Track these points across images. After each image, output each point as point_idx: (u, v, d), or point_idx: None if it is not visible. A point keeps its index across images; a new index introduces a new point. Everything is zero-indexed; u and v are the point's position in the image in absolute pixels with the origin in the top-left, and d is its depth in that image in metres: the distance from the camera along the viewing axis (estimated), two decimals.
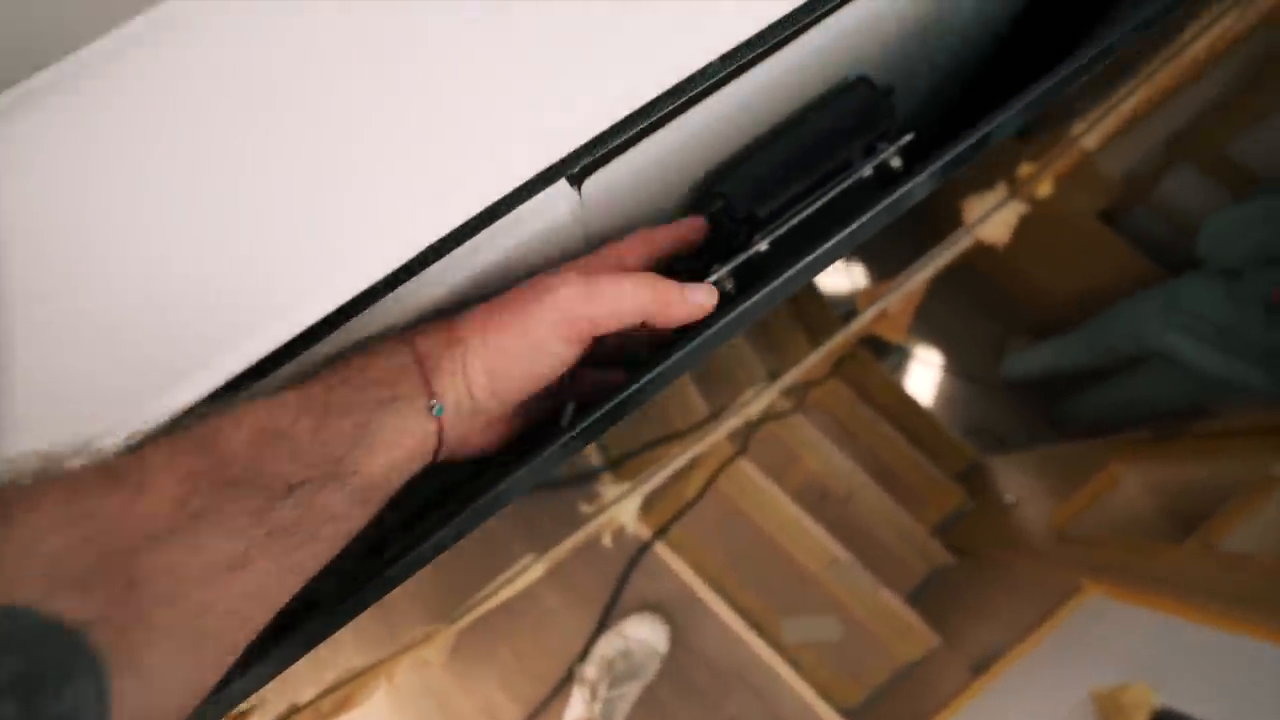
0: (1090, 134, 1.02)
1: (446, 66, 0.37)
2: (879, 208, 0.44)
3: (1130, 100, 1.08)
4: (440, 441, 0.35)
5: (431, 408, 0.34)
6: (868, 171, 0.49)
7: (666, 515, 1.31)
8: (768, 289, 0.42)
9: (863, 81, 0.53)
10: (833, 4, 0.43)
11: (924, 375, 2.68)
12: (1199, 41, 1.15)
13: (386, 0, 0.38)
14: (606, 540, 1.17)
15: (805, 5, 0.42)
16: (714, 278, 0.44)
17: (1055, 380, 2.36)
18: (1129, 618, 1.13)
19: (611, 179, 0.42)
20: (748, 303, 0.41)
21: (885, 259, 2.02)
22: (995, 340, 2.62)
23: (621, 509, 1.01)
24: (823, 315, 1.90)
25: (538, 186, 0.39)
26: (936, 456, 2.19)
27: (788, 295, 0.43)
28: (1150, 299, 1.93)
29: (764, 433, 1.75)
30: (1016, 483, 1.93)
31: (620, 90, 0.39)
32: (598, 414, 0.38)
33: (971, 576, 1.65)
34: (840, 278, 2.06)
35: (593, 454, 0.97)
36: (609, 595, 1.22)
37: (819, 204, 0.48)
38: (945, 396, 2.66)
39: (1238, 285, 1.69)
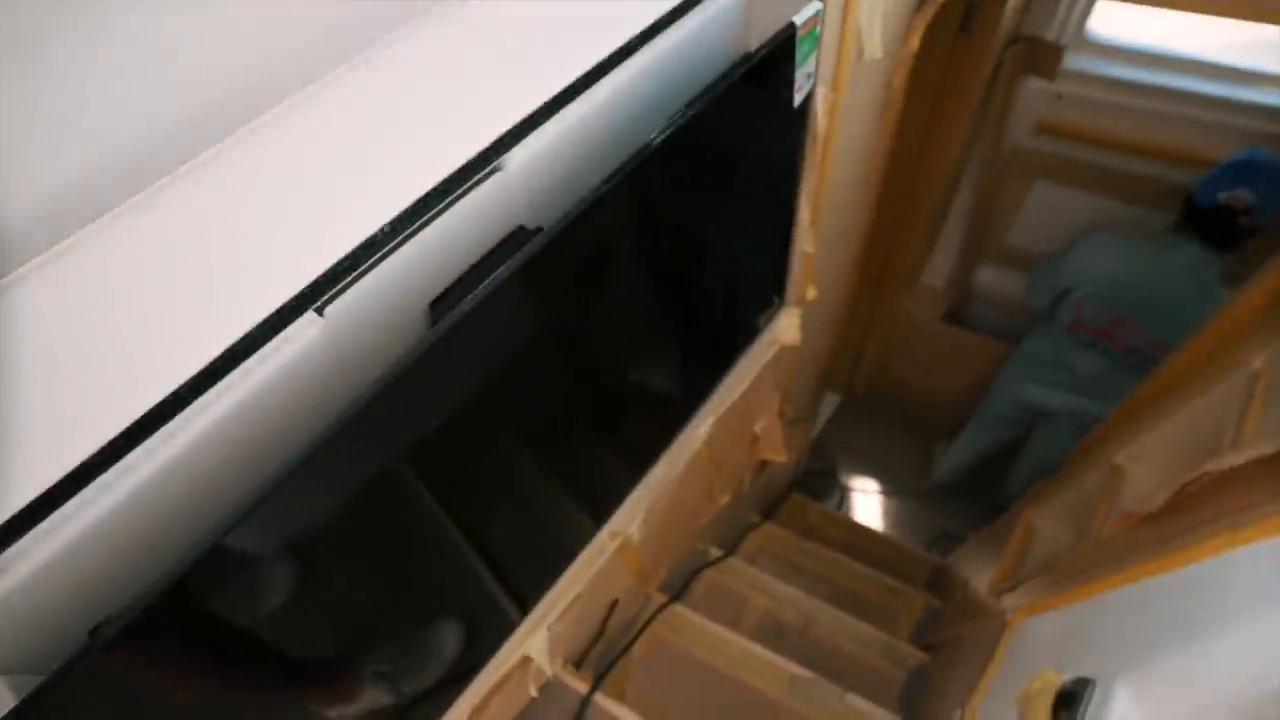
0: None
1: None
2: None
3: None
4: None
5: None
6: None
7: (601, 668, 1.30)
8: None
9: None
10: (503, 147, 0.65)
11: (868, 503, 2.78)
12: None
13: None
14: (532, 690, 1.17)
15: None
16: None
17: (983, 468, 2.49)
18: (1041, 625, 1.16)
19: (354, 303, 0.60)
20: None
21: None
22: (920, 454, 2.79)
23: (530, 645, 1.05)
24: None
25: (285, 318, 0.54)
26: (899, 570, 2.21)
27: None
28: (1010, 367, 2.18)
29: (705, 580, 1.79)
30: (969, 566, 1.96)
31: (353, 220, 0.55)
32: None
33: (940, 663, 1.61)
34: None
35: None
36: None
37: None
38: (894, 515, 2.73)
39: (1051, 324, 1.96)
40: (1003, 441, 2.38)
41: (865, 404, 2.95)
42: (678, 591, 1.63)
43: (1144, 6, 1.54)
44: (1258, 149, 1.61)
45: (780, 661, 1.48)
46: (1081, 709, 0.85)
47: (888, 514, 2.74)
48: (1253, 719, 0.64)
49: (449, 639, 1.02)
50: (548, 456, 0.94)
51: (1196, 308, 1.49)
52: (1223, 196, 1.58)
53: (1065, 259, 1.84)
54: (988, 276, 2.47)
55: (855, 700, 1.40)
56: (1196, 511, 0.90)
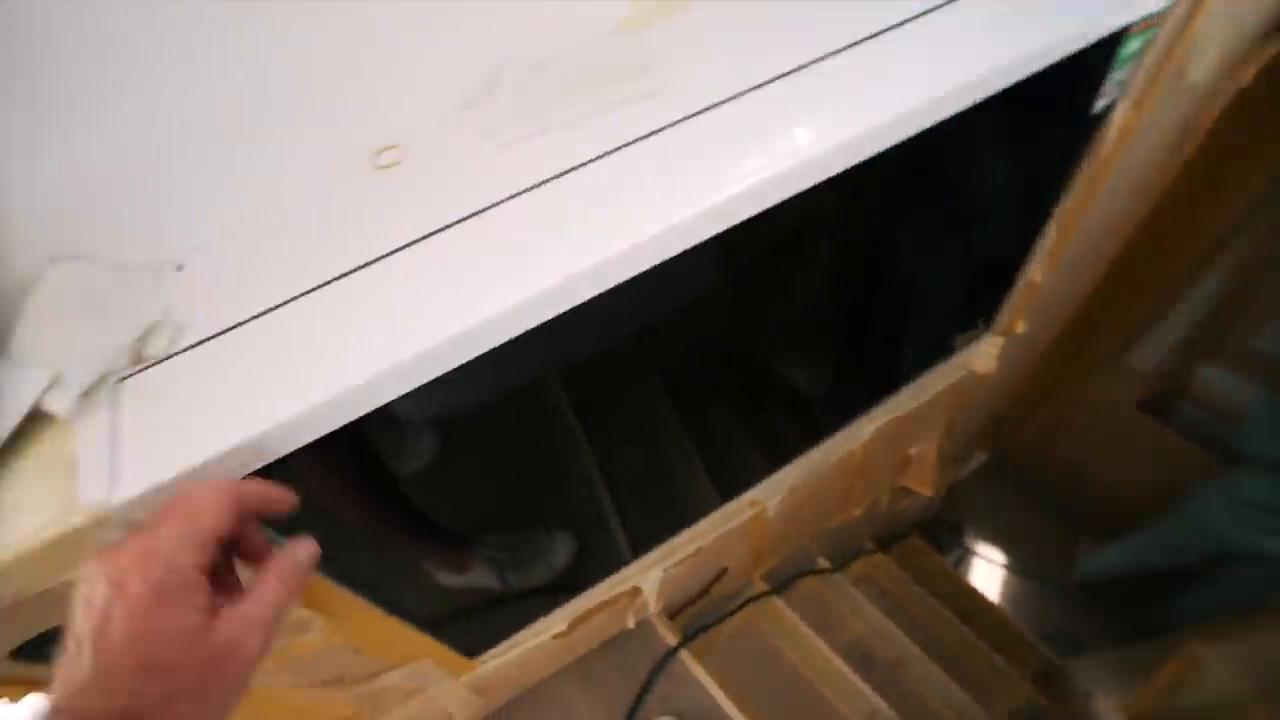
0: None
1: None
2: None
3: None
4: None
5: None
6: None
7: (691, 630, 1.31)
8: None
9: None
10: None
11: (988, 573, 2.57)
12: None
13: None
14: (630, 622, 1.20)
15: None
16: None
17: (1132, 579, 2.22)
18: None
19: None
20: None
21: None
22: (1062, 541, 2.53)
23: (644, 578, 1.07)
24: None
25: None
26: (1005, 651, 2.04)
27: None
28: (1214, 497, 1.90)
29: (804, 586, 1.74)
30: (1095, 679, 1.77)
31: None
32: None
33: None
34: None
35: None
36: (633, 698, 1.20)
37: None
38: (1013, 595, 2.50)
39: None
40: (1174, 566, 2.10)
41: (1015, 472, 2.71)
42: (780, 585, 1.60)
43: None
44: None
45: (867, 691, 1.42)
46: None
47: (1006, 592, 2.53)
48: None
49: (561, 551, 1.07)
50: (719, 410, 0.95)
51: None
52: None
53: None
54: (1213, 377, 2.16)
55: None
56: None
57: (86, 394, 0.45)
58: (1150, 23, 0.73)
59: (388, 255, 0.52)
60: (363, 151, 0.58)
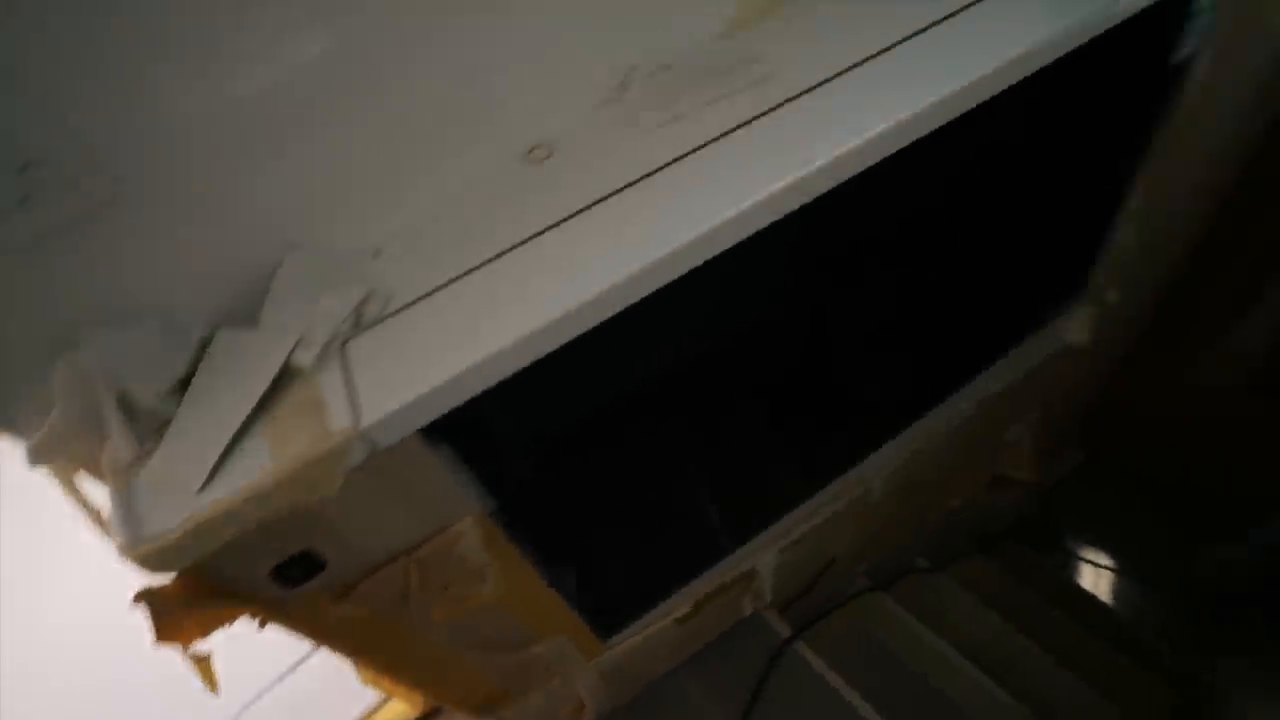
0: None
1: None
2: None
3: None
4: None
5: None
6: None
7: (803, 622, 1.31)
8: None
9: None
10: None
11: (1095, 577, 2.44)
12: None
13: None
14: (747, 609, 1.22)
15: None
16: None
17: (1254, 580, 2.08)
18: None
19: None
20: None
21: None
22: (1173, 541, 2.39)
23: (760, 558, 1.10)
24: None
25: None
26: (1129, 652, 1.94)
27: None
28: None
29: (908, 584, 1.72)
30: (1252, 692, 1.67)
31: None
32: None
33: None
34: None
35: None
36: (750, 691, 1.21)
37: None
38: (1124, 599, 2.37)
39: None
40: None
41: (1116, 469, 2.59)
42: (885, 582, 1.59)
43: None
44: None
45: (986, 681, 1.38)
46: None
47: (1119, 597, 2.40)
48: None
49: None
50: (827, 382, 1.00)
51: None
52: None
53: None
54: None
55: None
56: None
57: (324, 351, 0.55)
58: None
59: (548, 229, 0.60)
60: (519, 149, 0.67)
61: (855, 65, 0.68)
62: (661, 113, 0.67)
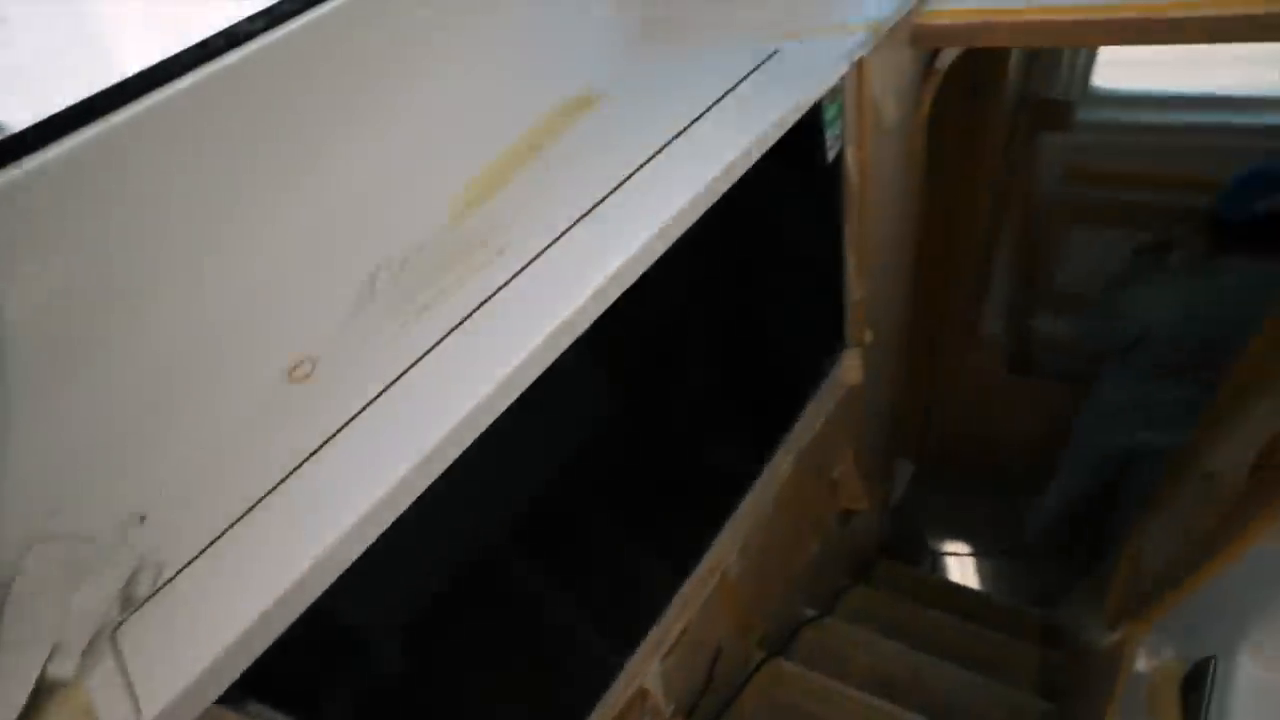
0: None
1: None
2: None
3: None
4: None
5: None
6: None
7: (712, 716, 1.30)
8: None
9: None
10: None
11: (962, 566, 2.68)
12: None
13: None
14: None
15: None
16: None
17: (1078, 526, 2.41)
18: (1157, 633, 1.13)
19: None
20: None
21: None
22: (1006, 511, 2.70)
23: (645, 676, 1.09)
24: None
25: None
26: (1005, 627, 2.12)
27: None
28: (1088, 416, 2.17)
29: (803, 640, 1.78)
30: (1081, 614, 1.88)
31: None
32: None
33: (1066, 709, 1.53)
34: None
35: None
36: None
37: None
38: (991, 576, 2.62)
39: (1125, 371, 1.96)
40: (1093, 490, 2.32)
41: (942, 467, 2.91)
42: (779, 647, 1.63)
43: (1137, 47, 1.70)
44: (1267, 160, 1.67)
45: (897, 711, 1.45)
46: (1207, 686, 0.85)
47: (983, 575, 2.65)
48: None
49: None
50: (652, 485, 1.06)
51: (1259, 319, 1.51)
52: (1266, 204, 1.63)
53: (1122, 313, 1.84)
54: (1045, 324, 2.51)
55: None
56: None
57: (90, 649, 0.50)
58: (832, 96, 0.98)
59: (322, 446, 0.61)
60: (280, 369, 0.68)
61: (583, 216, 0.78)
62: (410, 306, 0.72)
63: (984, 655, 1.96)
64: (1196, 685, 0.89)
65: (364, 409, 0.63)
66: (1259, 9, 0.89)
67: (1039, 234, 2.30)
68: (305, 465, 0.60)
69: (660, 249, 0.76)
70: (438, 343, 0.68)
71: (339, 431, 0.62)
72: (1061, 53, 1.92)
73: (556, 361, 0.67)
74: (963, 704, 1.65)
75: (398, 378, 0.65)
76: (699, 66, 1.03)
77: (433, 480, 0.58)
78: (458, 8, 0.86)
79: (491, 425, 0.62)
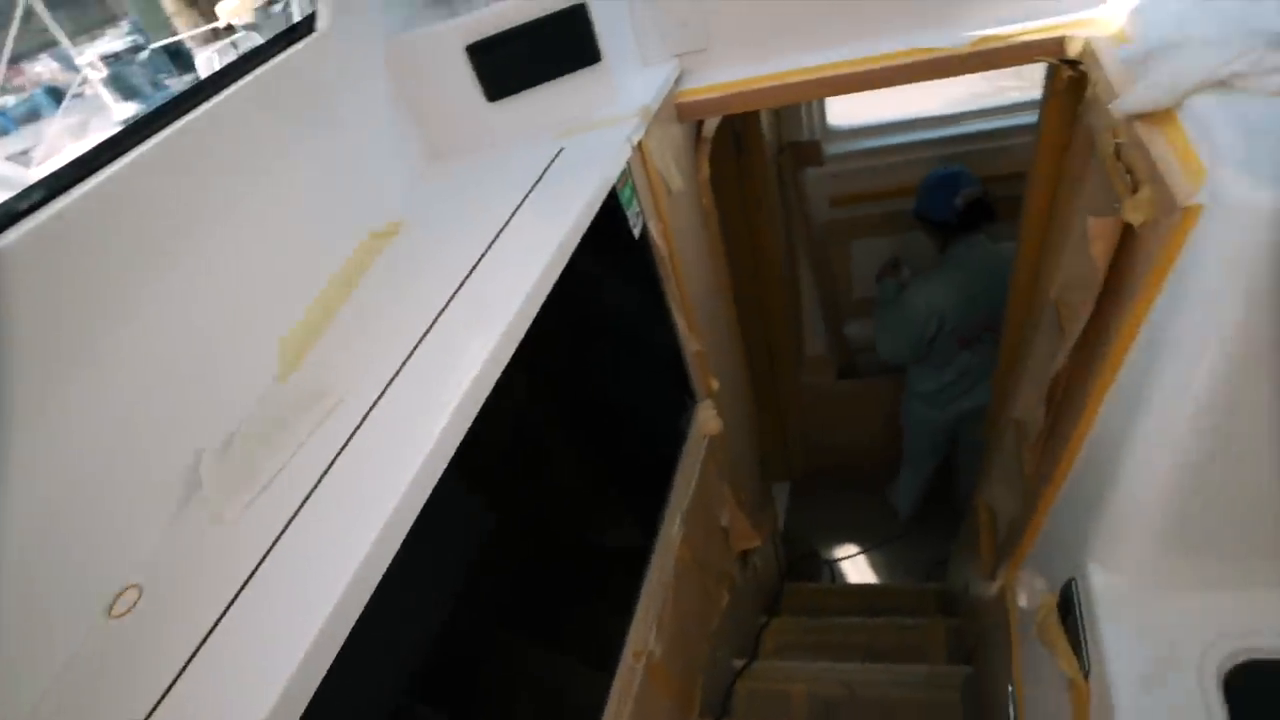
0: None
1: None
2: None
3: None
4: None
5: None
6: None
7: None
8: None
9: None
10: None
11: (856, 565, 2.84)
12: None
13: None
14: None
15: None
16: None
17: (939, 489, 2.66)
18: (1026, 571, 1.28)
19: None
20: None
21: None
22: (878, 504, 2.92)
23: None
24: None
25: None
26: (911, 611, 2.26)
27: None
28: (911, 400, 2.44)
29: (741, 692, 1.77)
30: (963, 573, 2.06)
31: None
32: None
33: (981, 662, 1.65)
34: None
35: None
36: None
37: None
38: (884, 566, 2.80)
39: (930, 361, 2.25)
40: (938, 460, 2.58)
41: (813, 482, 3.10)
42: (719, 709, 1.61)
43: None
44: (938, 167, 2.06)
45: None
46: (1077, 605, 0.96)
47: (878, 567, 2.81)
48: None
49: None
50: (549, 592, 1.02)
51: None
52: (961, 199, 1.99)
53: (918, 312, 2.10)
54: (854, 330, 2.81)
55: None
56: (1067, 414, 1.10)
57: None
58: (623, 179, 1.06)
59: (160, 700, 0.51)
60: (102, 604, 0.58)
61: (420, 341, 0.76)
62: (244, 492, 0.65)
63: (900, 643, 2.07)
64: (1068, 607, 1.00)
65: (207, 638, 0.54)
66: (911, 60, 1.12)
67: (827, 255, 2.60)
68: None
69: (501, 361, 0.76)
70: (288, 524, 0.61)
71: (180, 675, 0.53)
72: (799, 104, 2.23)
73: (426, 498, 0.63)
74: (895, 698, 1.72)
75: (242, 586, 0.57)
76: (495, 179, 1.07)
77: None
78: (250, 166, 0.83)
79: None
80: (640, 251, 1.17)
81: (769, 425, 2.76)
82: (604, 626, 1.10)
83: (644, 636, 1.18)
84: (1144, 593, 0.90)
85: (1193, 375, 0.74)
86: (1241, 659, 0.82)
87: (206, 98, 0.79)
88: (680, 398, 1.42)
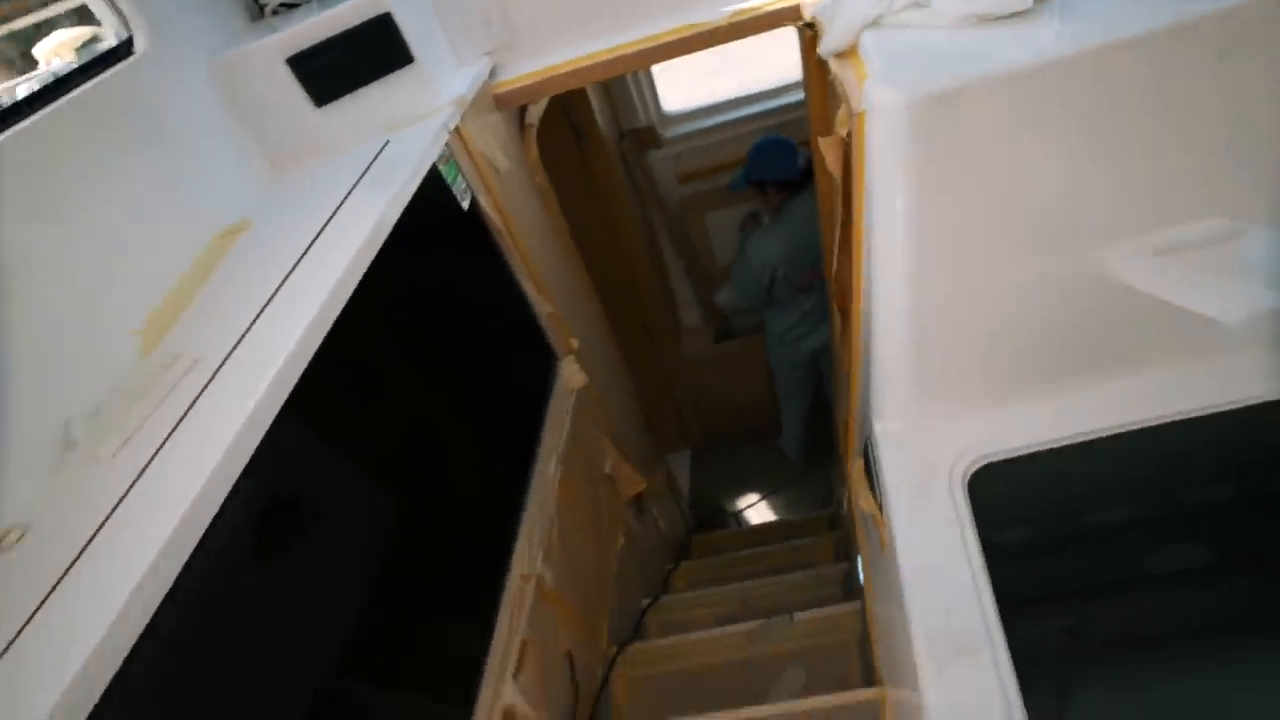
0: None
1: None
2: None
3: None
4: None
5: None
6: None
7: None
8: None
9: None
10: None
11: (759, 511, 3.08)
12: None
13: None
14: None
15: None
16: None
17: (816, 422, 2.94)
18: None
19: None
20: None
21: None
22: (771, 451, 3.18)
23: (506, 695, 1.15)
24: None
25: None
26: (805, 534, 2.51)
27: None
28: (770, 345, 2.71)
29: (650, 623, 1.93)
30: (840, 487, 2.31)
31: None
32: None
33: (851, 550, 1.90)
34: None
35: None
36: None
37: None
38: (786, 506, 3.05)
39: (776, 305, 2.51)
40: (811, 398, 2.85)
41: (710, 443, 3.33)
42: (629, 635, 1.76)
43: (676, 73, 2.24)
44: (761, 137, 2.32)
45: (732, 629, 1.66)
46: (873, 457, 1.18)
47: (779, 509, 3.06)
48: None
49: None
50: (429, 519, 1.14)
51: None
52: (802, 158, 2.25)
53: (752, 265, 2.36)
54: (724, 296, 3.05)
55: (803, 615, 1.63)
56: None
57: None
58: (445, 159, 1.21)
59: (33, 616, 0.61)
60: None
61: (266, 305, 0.87)
62: (117, 437, 0.75)
63: (795, 560, 2.29)
64: (868, 462, 1.23)
65: (81, 554, 0.65)
66: (684, 34, 1.33)
67: (686, 230, 2.82)
68: (30, 625, 0.60)
69: (330, 315, 0.88)
70: (152, 457, 0.72)
71: (58, 583, 0.63)
72: (629, 90, 2.44)
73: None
74: (786, 600, 1.92)
75: (110, 514, 0.67)
76: (331, 174, 1.19)
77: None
78: (77, 178, 0.92)
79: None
80: (472, 221, 1.32)
81: (660, 399, 2.96)
82: (486, 551, 1.24)
83: (530, 560, 1.32)
84: (910, 433, 1.12)
85: (894, 243, 0.96)
86: (980, 464, 1.06)
87: (23, 117, 0.88)
88: (541, 354, 1.58)
